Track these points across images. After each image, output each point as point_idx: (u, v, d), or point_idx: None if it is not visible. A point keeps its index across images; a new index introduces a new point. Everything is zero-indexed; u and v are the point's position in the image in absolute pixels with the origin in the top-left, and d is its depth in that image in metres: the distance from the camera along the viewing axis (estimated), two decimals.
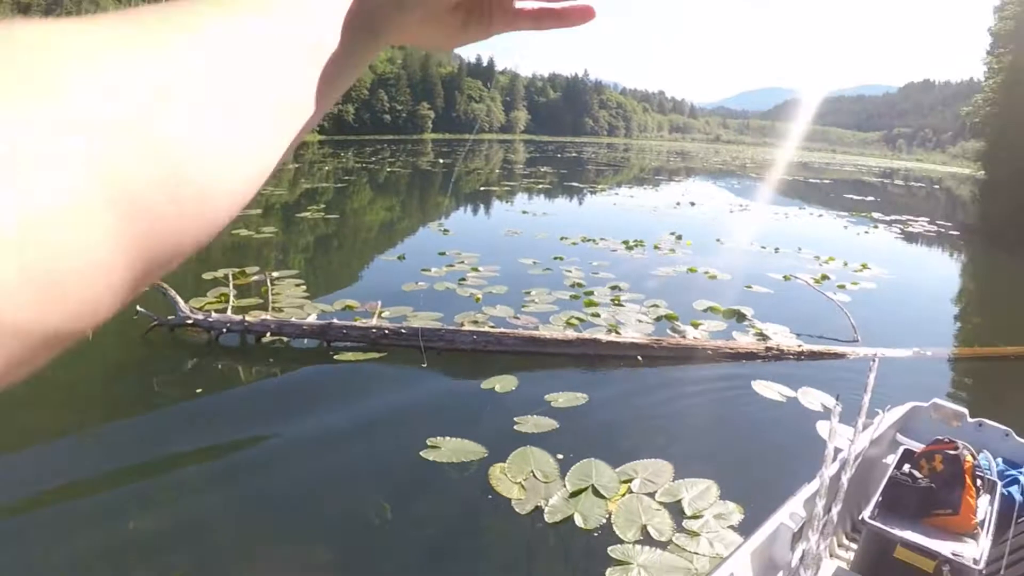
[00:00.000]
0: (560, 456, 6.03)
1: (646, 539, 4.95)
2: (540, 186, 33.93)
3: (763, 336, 10.11)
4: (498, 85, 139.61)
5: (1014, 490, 4.23)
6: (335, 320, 8.61)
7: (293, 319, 8.71)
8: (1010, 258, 23.72)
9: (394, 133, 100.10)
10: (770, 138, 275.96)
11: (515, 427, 6.57)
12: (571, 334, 9.12)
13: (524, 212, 23.45)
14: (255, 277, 11.36)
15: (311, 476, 5.68)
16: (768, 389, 8.17)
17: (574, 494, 5.44)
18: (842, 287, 13.92)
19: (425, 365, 8.17)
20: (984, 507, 3.82)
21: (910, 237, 25.23)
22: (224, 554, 4.68)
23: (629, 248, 16.48)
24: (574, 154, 74.79)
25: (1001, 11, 51.12)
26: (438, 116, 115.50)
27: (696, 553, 4.84)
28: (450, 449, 6.04)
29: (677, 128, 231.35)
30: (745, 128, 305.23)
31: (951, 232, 27.60)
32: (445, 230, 18.31)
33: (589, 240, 17.08)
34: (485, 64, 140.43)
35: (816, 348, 9.62)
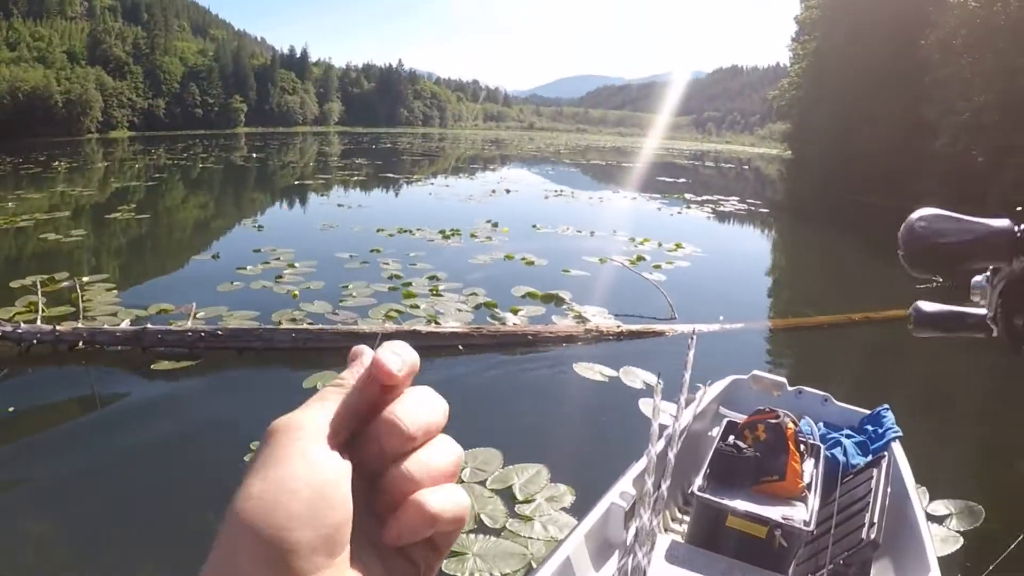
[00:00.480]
0: None
1: (480, 527, 5.00)
2: (355, 178, 33.64)
3: (582, 319, 10.34)
4: (312, 76, 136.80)
5: (837, 452, 4.45)
6: (149, 325, 8.33)
7: (106, 326, 8.42)
8: (816, 232, 25.05)
9: (206, 127, 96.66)
10: (584, 124, 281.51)
11: None
12: (390, 327, 9.15)
13: (340, 205, 23.27)
14: (65, 283, 10.85)
15: (134, 490, 5.50)
16: (590, 370, 8.36)
17: None
18: (657, 267, 14.38)
19: (242, 366, 8.03)
20: (809, 471, 4.00)
21: (721, 216, 26.24)
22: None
23: (446, 237, 16.56)
24: (389, 145, 74.30)
25: (807, 0, 53.81)
26: (251, 109, 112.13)
27: (531, 538, 4.92)
28: None
29: (492, 116, 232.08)
30: (559, 115, 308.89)
31: (761, 209, 28.88)
32: (260, 227, 17.97)
33: (406, 231, 17.06)
34: (299, 55, 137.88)
35: (635, 328, 9.91)
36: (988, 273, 0.83)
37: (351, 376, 0.46)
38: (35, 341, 8.03)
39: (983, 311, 0.86)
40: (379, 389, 0.45)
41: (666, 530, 4.22)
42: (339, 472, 0.42)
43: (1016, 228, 0.79)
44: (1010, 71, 23.72)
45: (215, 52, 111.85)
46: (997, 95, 24.21)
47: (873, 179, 32.58)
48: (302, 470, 0.40)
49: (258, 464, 0.41)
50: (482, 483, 5.58)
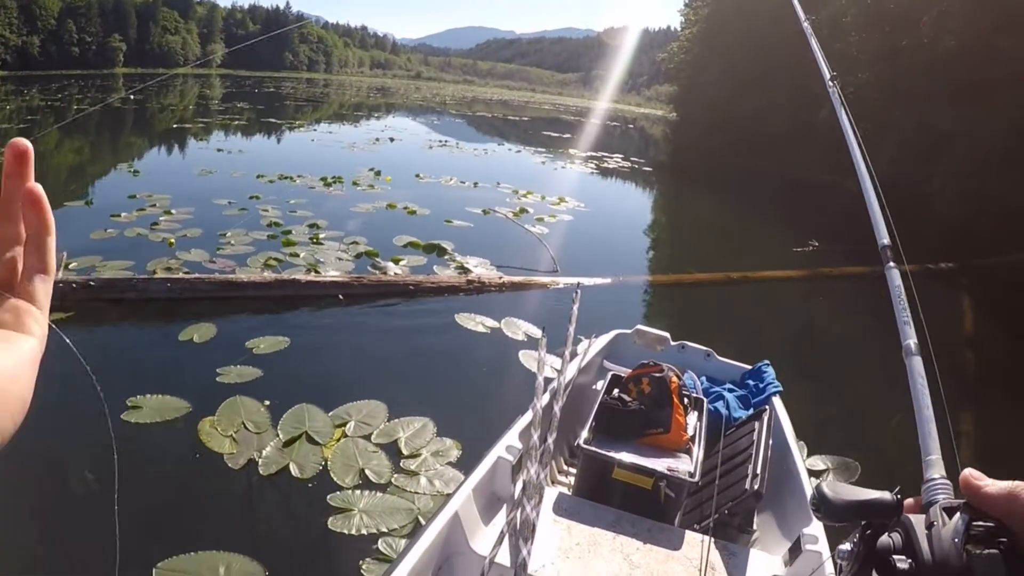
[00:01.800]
0: (268, 403, 5.87)
1: (365, 483, 4.92)
2: (236, 123, 32.74)
3: (464, 269, 10.32)
4: (195, 16, 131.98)
5: (720, 406, 4.52)
6: None
7: None
8: (698, 193, 25.55)
9: (83, 67, 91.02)
10: (472, 76, 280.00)
11: (218, 378, 6.31)
12: (269, 276, 8.92)
13: (219, 150, 22.47)
14: None
15: (4, 453, 5.14)
16: (472, 321, 8.37)
17: (288, 443, 5.32)
18: (540, 220, 14.43)
19: (116, 319, 7.70)
20: (693, 423, 4.03)
21: (605, 172, 26.53)
22: None
23: (328, 185, 16.30)
24: (272, 89, 72.62)
25: None
26: (130, 48, 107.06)
27: (417, 492, 4.86)
28: (152, 408, 5.70)
29: (379, 64, 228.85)
30: (447, 65, 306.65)
31: (644, 168, 29.29)
32: (136, 171, 17.18)
33: (286, 178, 16.71)
34: None
35: (517, 279, 9.94)
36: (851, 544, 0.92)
37: None
38: None
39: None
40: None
41: (553, 483, 4.22)
42: None
43: (895, 497, 0.90)
44: (893, 51, 24.54)
45: None
46: (879, 73, 25.04)
47: (756, 145, 33.39)
48: None
49: None
50: (367, 437, 5.50)
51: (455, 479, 4.92)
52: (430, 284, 9.42)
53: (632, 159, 31.99)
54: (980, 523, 0.80)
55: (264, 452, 5.16)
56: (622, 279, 10.68)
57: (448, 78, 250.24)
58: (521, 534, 2.65)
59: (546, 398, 3.74)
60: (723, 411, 4.49)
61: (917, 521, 0.87)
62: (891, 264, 1.80)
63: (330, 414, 5.77)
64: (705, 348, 5.22)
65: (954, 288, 13.27)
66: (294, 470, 5.01)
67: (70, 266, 8.86)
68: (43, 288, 0.67)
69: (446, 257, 11.01)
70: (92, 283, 7.96)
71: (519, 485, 3.09)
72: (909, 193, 19.28)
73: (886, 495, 0.90)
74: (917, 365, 1.47)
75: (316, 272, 9.44)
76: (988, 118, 20.54)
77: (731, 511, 3.60)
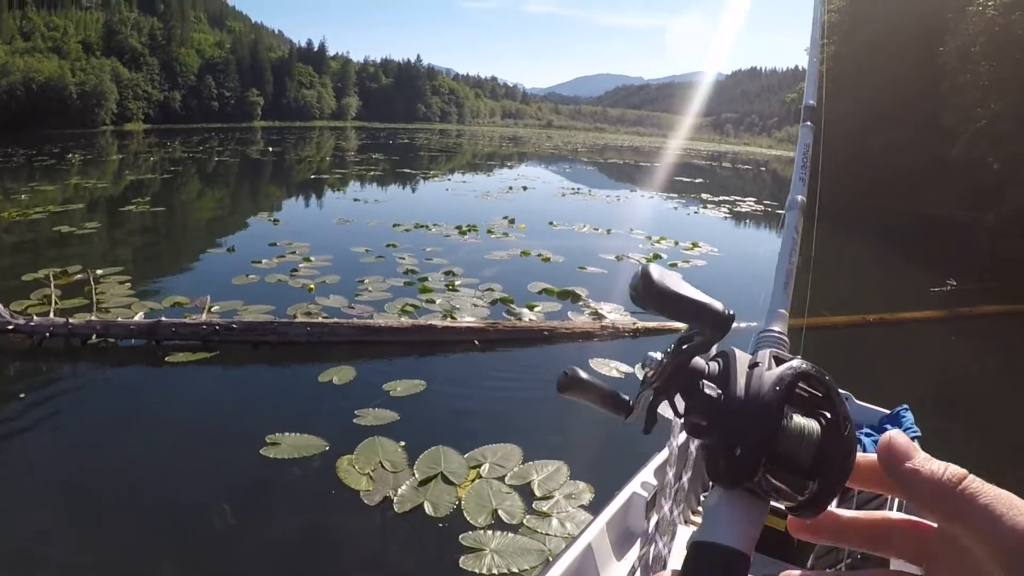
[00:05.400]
0: (403, 443, 5.99)
1: (497, 523, 4.95)
2: (372, 173, 33.65)
3: (598, 315, 10.29)
4: (329, 70, 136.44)
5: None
6: (163, 318, 8.28)
7: (119, 319, 8.36)
8: (832, 233, 24.93)
9: (222, 121, 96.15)
10: (602, 123, 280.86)
11: (356, 419, 6.47)
12: (406, 321, 9.10)
13: (356, 200, 23.19)
14: (78, 276, 10.82)
15: (148, 484, 5.42)
16: (606, 367, 8.37)
17: (423, 482, 5.40)
18: (673, 265, 14.37)
19: (257, 360, 7.99)
20: None
21: (738, 216, 26.17)
22: (63, 566, 4.40)
23: (463, 233, 16.53)
24: (406, 140, 74.29)
25: (827, 4, 53.97)
26: (268, 103, 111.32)
27: (548, 534, 4.88)
28: (291, 445, 5.90)
29: (510, 114, 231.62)
30: (577, 113, 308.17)
31: (778, 211, 28.61)
32: (275, 220, 17.87)
33: (422, 226, 17.04)
34: (316, 48, 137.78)
35: (651, 325, 9.85)
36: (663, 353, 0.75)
37: None
38: (48, 334, 7.99)
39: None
40: None
41: (686, 522, 4.16)
42: None
43: (727, 311, 0.74)
44: None
45: (232, 44, 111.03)
46: (1014, 103, 24.03)
47: (889, 183, 32.46)
48: None
49: None
50: (501, 479, 5.54)
51: (587, 521, 4.88)
52: (564, 330, 9.42)
53: (765, 202, 31.60)
54: (807, 388, 0.69)
55: (400, 490, 5.25)
56: (755, 323, 10.48)
57: (579, 126, 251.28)
58: (652, 570, 2.62)
59: (682, 436, 3.70)
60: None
61: (741, 356, 0.75)
62: (808, 123, 1.71)
63: (465, 456, 5.84)
64: (843, 391, 5.07)
65: None
66: (428, 509, 5.07)
67: (213, 309, 9.26)
68: None
69: (580, 303, 11.02)
70: (235, 325, 8.27)
71: (652, 522, 3.06)
72: None
73: (719, 304, 0.76)
74: (796, 220, 1.39)
75: (452, 318, 9.59)
76: None
77: (864, 555, 3.49)
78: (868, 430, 4.75)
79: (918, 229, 25.95)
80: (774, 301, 1.14)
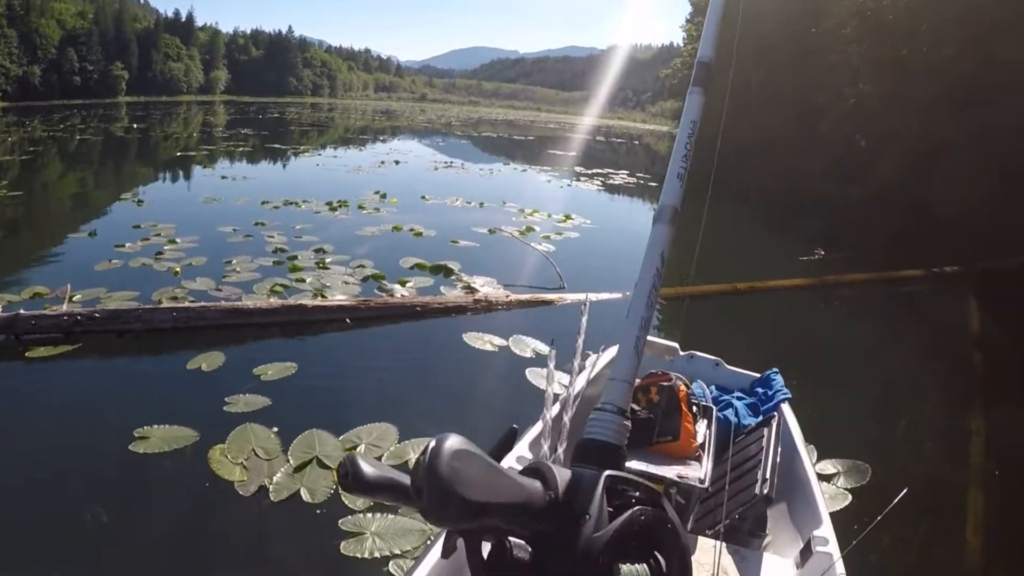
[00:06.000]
0: (276, 429, 5.87)
1: (377, 506, 4.87)
2: (241, 149, 32.88)
3: (471, 289, 10.34)
4: (197, 42, 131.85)
5: (729, 413, 4.51)
6: (22, 311, 7.86)
7: None
8: (701, 204, 25.53)
9: (85, 97, 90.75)
10: (476, 96, 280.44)
11: (227, 407, 6.30)
12: (276, 302, 8.93)
13: (224, 177, 22.57)
14: None
15: (12, 490, 5.12)
16: (480, 340, 8.39)
17: (298, 468, 5.32)
18: (547, 238, 14.49)
19: (122, 350, 7.74)
20: (703, 431, 4.02)
21: (612, 189, 26.55)
22: None
23: (333, 209, 16.34)
24: (277, 115, 72.61)
25: None
26: (133, 77, 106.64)
27: None
28: (160, 438, 5.69)
29: (383, 87, 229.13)
30: (452, 87, 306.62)
31: (651, 183, 29.26)
32: (140, 201, 17.23)
33: (292, 203, 16.76)
34: (184, 19, 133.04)
35: (524, 297, 9.95)
36: None
37: None
38: None
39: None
40: None
41: None
42: None
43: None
44: (894, 62, 24.52)
45: (95, 14, 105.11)
46: (880, 84, 25.03)
47: (761, 157, 33.39)
48: None
49: None
50: (378, 459, 5.46)
51: None
52: (437, 305, 9.42)
53: (638, 175, 32.08)
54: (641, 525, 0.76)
55: (275, 478, 5.16)
56: (629, 294, 10.66)
57: (453, 99, 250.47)
58: None
59: (555, 409, 3.75)
60: (732, 419, 4.49)
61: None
62: (699, 88, 1.58)
63: (340, 438, 5.78)
64: (714, 358, 5.21)
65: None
66: (305, 495, 5.00)
67: (74, 298, 8.83)
68: None
69: (453, 277, 11.03)
70: (97, 315, 7.95)
71: None
72: (912, 200, 19.29)
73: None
74: (664, 237, 1.34)
75: (323, 297, 9.47)
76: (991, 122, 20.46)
77: (742, 516, 3.61)
78: (740, 394, 4.88)
79: (793, 204, 26.72)
80: (620, 363, 1.11)
